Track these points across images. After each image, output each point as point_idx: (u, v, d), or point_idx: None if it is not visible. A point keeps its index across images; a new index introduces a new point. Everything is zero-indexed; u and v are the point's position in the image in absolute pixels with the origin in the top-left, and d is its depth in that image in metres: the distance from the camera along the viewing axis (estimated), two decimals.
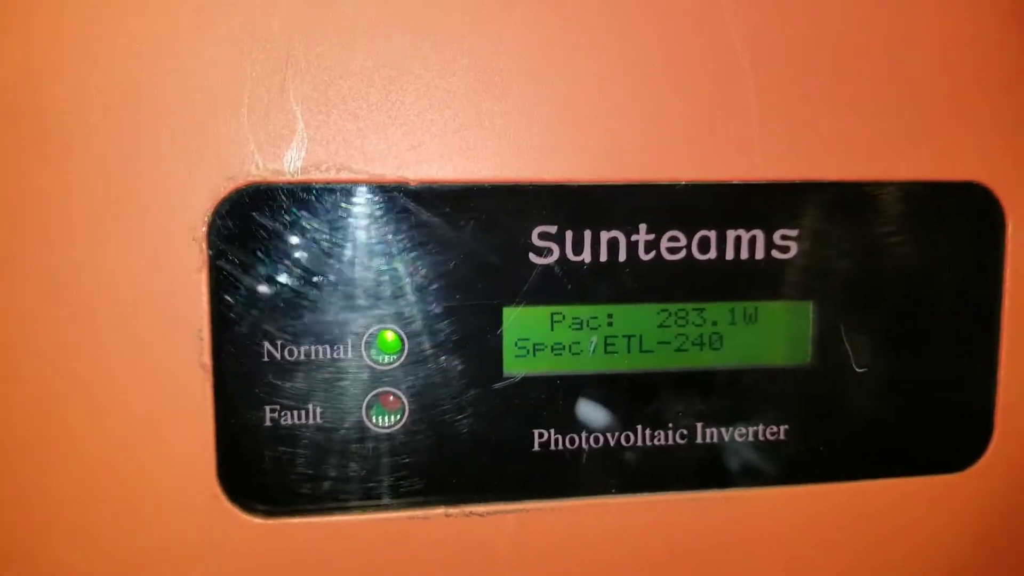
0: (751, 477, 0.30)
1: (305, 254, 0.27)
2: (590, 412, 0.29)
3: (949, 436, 0.31)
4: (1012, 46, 0.30)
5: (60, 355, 0.25)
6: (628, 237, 0.28)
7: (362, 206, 0.27)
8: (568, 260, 0.28)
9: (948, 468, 0.31)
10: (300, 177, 0.26)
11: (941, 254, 0.30)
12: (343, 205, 0.27)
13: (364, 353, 0.27)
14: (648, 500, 0.30)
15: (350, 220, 0.27)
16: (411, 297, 0.27)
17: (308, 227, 0.26)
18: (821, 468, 0.31)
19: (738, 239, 0.29)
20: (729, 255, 0.29)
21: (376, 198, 0.27)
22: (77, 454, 0.26)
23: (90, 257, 0.25)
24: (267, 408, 0.27)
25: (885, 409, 0.31)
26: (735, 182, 0.28)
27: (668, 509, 0.30)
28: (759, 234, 0.29)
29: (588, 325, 0.29)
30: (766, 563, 0.31)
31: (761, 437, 0.30)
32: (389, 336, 0.27)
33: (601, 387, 0.29)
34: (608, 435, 0.29)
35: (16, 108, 0.25)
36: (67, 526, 0.26)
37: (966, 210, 0.30)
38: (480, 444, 0.29)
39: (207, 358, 0.26)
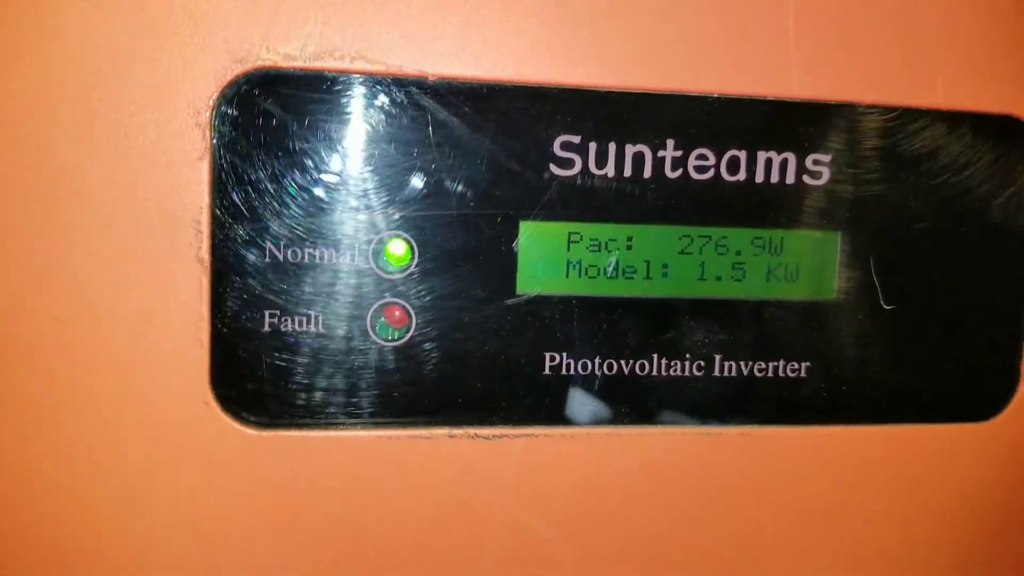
0: (768, 415, 0.29)
1: (313, 148, 0.25)
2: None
3: (975, 383, 0.30)
4: None
5: (43, 237, 0.24)
6: (655, 152, 0.27)
7: (377, 100, 0.25)
8: (590, 173, 0.27)
9: (972, 416, 0.30)
10: (312, 64, 0.24)
11: (975, 190, 0.29)
12: (356, 97, 0.25)
13: (372, 260, 0.26)
14: (660, 432, 0.28)
15: (363, 114, 0.25)
16: (423, 202, 0.26)
17: (318, 119, 0.25)
18: (841, 409, 0.29)
19: (769, 161, 0.27)
20: (759, 178, 0.27)
21: (392, 92, 0.25)
22: (59, 352, 0.24)
23: (83, 137, 0.24)
24: (267, 312, 0.25)
25: (911, 351, 0.29)
26: (770, 98, 0.27)
27: (680, 443, 0.28)
28: (791, 157, 0.27)
29: (606, 247, 0.27)
30: (776, 504, 0.30)
31: (781, 373, 0.29)
32: (398, 244, 0.26)
33: (617, 311, 0.28)
34: (623, 363, 0.28)
35: None
36: (48, 431, 0.25)
37: (1003, 144, 0.29)
38: (488, 364, 0.27)
39: (205, 253, 0.25)
